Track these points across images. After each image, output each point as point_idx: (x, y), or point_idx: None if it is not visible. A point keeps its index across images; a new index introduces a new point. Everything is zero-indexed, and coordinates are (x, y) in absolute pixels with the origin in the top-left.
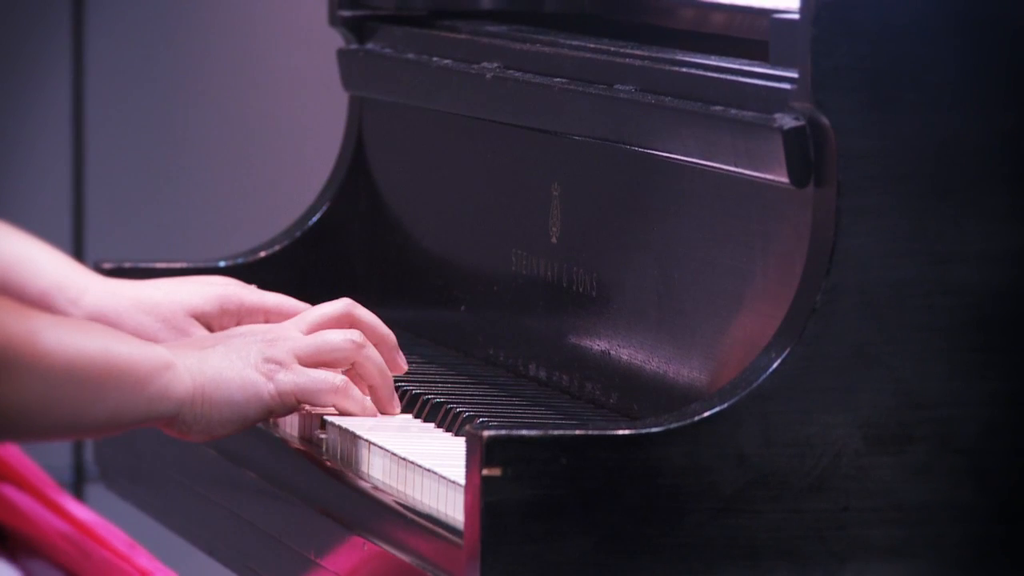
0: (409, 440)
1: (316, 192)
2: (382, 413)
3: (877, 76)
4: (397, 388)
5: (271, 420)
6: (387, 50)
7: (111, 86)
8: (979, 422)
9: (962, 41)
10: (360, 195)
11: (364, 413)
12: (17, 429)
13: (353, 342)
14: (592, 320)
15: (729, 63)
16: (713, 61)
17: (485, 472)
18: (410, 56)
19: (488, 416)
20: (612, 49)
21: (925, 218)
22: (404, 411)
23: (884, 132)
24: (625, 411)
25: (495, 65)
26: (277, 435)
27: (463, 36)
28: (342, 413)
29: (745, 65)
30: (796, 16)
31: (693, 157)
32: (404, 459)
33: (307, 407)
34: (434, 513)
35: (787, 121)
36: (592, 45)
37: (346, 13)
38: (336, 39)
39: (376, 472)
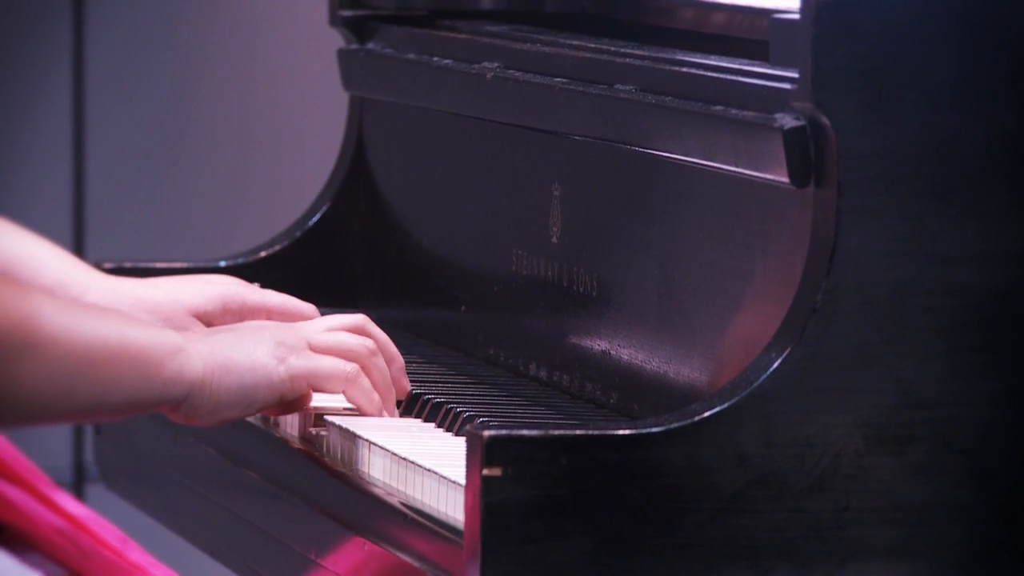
0: (409, 440)
1: (316, 192)
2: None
3: (877, 76)
4: None
5: (271, 420)
6: (387, 50)
7: (111, 86)
8: (979, 422)
9: (962, 41)
10: (360, 195)
11: (370, 405)
12: (35, 413)
13: (367, 348)
14: (592, 320)
15: (729, 63)
16: (713, 61)
17: (485, 472)
18: (410, 56)
19: (488, 416)
20: (612, 49)
21: (925, 218)
22: (404, 411)
23: (884, 132)
24: (625, 411)
25: (495, 65)
26: (277, 435)
27: (463, 36)
28: (349, 402)
29: (745, 65)
30: (796, 16)
31: (693, 157)
32: (404, 459)
33: (311, 406)
34: (434, 513)
35: (787, 121)
36: (592, 45)
37: (346, 13)
38: (336, 39)
39: (376, 472)
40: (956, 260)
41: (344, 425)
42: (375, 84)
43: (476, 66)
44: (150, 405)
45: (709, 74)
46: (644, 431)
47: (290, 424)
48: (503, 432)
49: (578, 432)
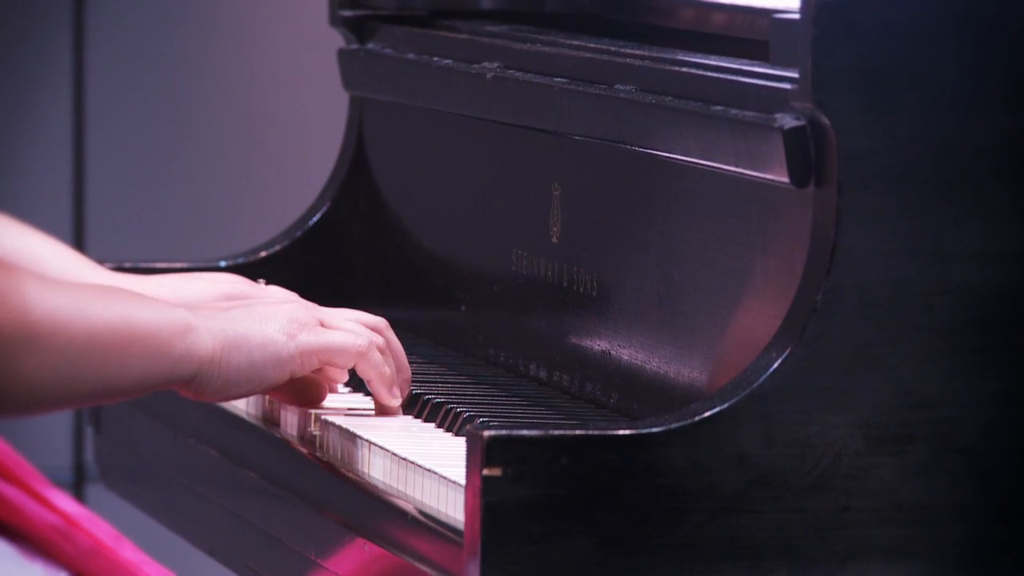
0: (409, 440)
1: (316, 192)
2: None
3: (877, 76)
4: None
5: (271, 419)
6: (387, 50)
7: (111, 86)
8: (979, 422)
9: (962, 41)
10: (360, 195)
11: (382, 380)
12: (45, 401)
13: (380, 326)
14: (592, 320)
15: (729, 63)
16: (713, 61)
17: (485, 472)
18: (410, 56)
19: (488, 416)
20: (612, 49)
21: (925, 218)
22: (404, 411)
23: (884, 132)
24: (625, 411)
25: (495, 65)
26: (277, 435)
27: (463, 36)
28: (361, 375)
29: (745, 65)
30: (796, 16)
31: (693, 157)
32: (404, 459)
33: (314, 410)
34: (434, 513)
35: (787, 121)
36: (592, 45)
37: (346, 13)
38: (336, 39)
39: (376, 472)
40: (956, 260)
41: (344, 425)
42: (375, 84)
43: (476, 66)
44: (159, 384)
45: (709, 74)
46: (644, 431)
47: (290, 424)
48: (503, 432)
49: (578, 432)
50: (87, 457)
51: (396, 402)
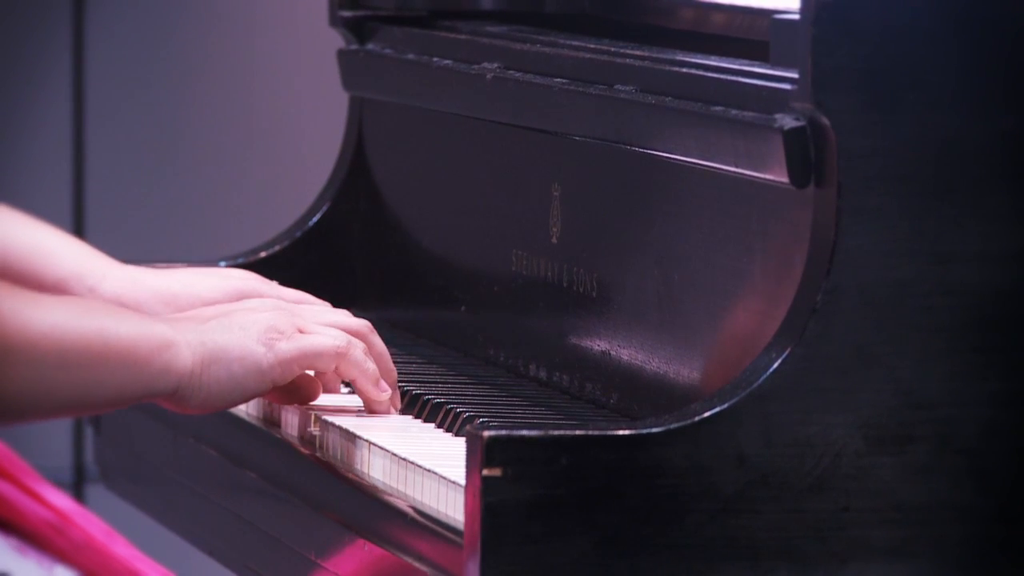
0: (409, 440)
1: (316, 192)
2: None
3: (877, 76)
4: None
5: (271, 420)
6: (387, 50)
7: (111, 86)
8: (979, 422)
9: (962, 41)
10: (360, 195)
11: (365, 377)
12: (19, 413)
13: (360, 328)
14: (592, 320)
15: (729, 63)
16: (713, 61)
17: (485, 472)
18: (410, 56)
19: (488, 416)
20: (612, 49)
21: (925, 218)
22: (404, 411)
23: (884, 132)
24: (625, 411)
25: (495, 65)
26: (277, 435)
27: (463, 36)
28: (344, 378)
29: (745, 65)
30: (796, 16)
31: (693, 157)
32: (404, 459)
33: (313, 407)
34: (434, 513)
35: (787, 121)
36: (592, 45)
37: (346, 13)
38: (336, 39)
39: (376, 472)
40: (956, 260)
41: (344, 425)
42: (375, 84)
43: (476, 66)
44: (138, 398)
45: (709, 74)
46: (644, 431)
47: (290, 424)
48: (503, 432)
49: (578, 432)
50: (87, 457)
51: (384, 395)
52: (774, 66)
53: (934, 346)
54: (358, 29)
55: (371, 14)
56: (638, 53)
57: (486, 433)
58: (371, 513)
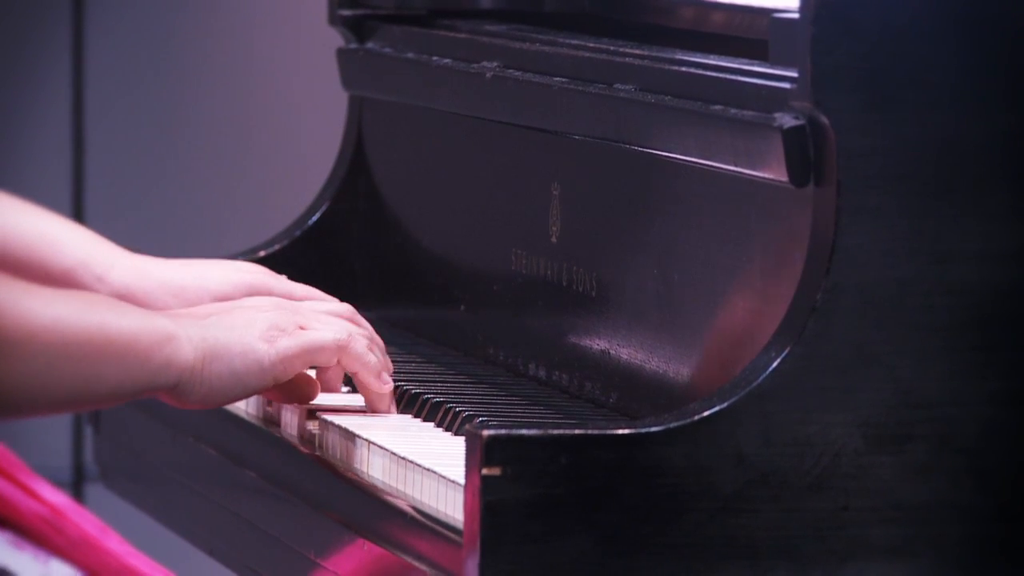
0: (409, 439)
1: (315, 191)
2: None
3: (877, 76)
4: (397, 388)
5: (271, 419)
6: (387, 49)
7: (111, 86)
8: (979, 422)
9: (962, 41)
10: (360, 195)
11: (366, 369)
12: (18, 407)
13: (357, 335)
14: (592, 320)
15: (729, 63)
16: (713, 61)
17: (485, 472)
18: (410, 55)
19: (487, 415)
20: (612, 49)
21: (925, 218)
22: (404, 411)
23: (884, 132)
24: (625, 411)
25: (495, 64)
26: (277, 435)
27: (463, 35)
28: (347, 371)
29: (745, 65)
30: (796, 16)
31: (693, 157)
32: (404, 459)
33: (313, 406)
34: (434, 512)
35: (787, 120)
36: (592, 45)
37: (346, 12)
38: (336, 39)
39: (376, 472)
40: (956, 260)
41: (344, 425)
42: (374, 83)
43: (475, 65)
44: (139, 393)
45: (708, 74)
46: (644, 431)
47: (290, 424)
48: (502, 431)
49: (577, 432)
50: (87, 457)
51: (387, 388)
52: (773, 65)
53: (934, 345)
54: (357, 28)
55: (370, 13)
56: (637, 52)
57: (486, 432)
58: (370, 512)
